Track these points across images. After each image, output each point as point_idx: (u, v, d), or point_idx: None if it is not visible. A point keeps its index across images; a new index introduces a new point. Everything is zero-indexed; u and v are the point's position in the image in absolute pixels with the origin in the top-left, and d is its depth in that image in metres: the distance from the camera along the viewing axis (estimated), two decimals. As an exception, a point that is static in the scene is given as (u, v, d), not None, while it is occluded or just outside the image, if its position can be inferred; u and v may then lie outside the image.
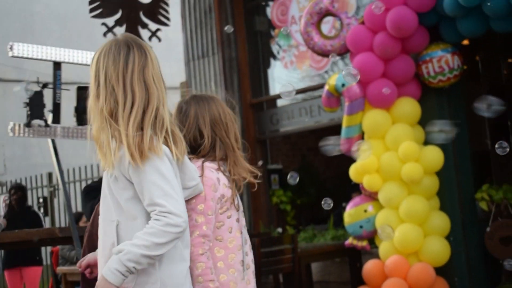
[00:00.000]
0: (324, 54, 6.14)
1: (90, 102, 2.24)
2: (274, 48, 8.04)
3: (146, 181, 2.16)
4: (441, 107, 5.92)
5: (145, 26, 7.48)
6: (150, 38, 8.03)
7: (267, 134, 8.06)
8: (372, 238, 5.85)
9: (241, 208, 2.53)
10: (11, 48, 5.14)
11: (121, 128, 2.17)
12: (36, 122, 5.12)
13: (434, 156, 5.59)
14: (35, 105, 5.01)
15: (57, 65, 4.28)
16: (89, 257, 2.47)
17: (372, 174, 5.72)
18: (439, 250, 5.52)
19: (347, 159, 5.92)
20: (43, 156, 12.27)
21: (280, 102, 8.10)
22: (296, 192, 8.55)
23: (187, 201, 2.34)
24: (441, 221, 5.60)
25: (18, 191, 7.86)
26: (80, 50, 5.26)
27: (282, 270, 5.57)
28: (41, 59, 5.16)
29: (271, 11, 7.99)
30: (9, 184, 9.82)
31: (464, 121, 5.96)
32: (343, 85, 5.85)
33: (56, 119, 4.79)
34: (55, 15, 14.89)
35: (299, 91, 7.72)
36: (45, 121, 5.14)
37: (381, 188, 5.70)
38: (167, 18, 7.51)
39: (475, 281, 5.81)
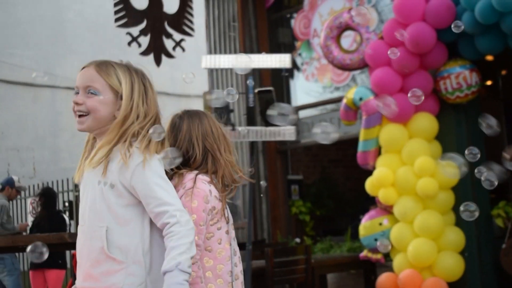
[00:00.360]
0: (343, 67, 6.20)
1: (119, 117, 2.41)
2: (297, 60, 8.12)
3: (152, 183, 2.30)
4: (459, 123, 5.95)
5: (169, 36, 7.62)
6: (174, 48, 8.17)
7: (288, 145, 8.13)
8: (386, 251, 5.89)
9: (231, 221, 2.61)
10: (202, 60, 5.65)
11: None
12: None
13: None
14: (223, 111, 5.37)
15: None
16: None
17: (388, 188, 5.77)
18: (453, 265, 5.55)
19: (367, 172, 5.98)
20: (71, 160, 12.47)
21: (302, 114, 8.17)
22: (316, 203, 8.60)
23: None
24: (456, 237, 5.62)
25: (45, 195, 8.01)
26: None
27: (296, 280, 5.63)
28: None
29: (294, 24, 8.08)
30: (38, 188, 10.00)
31: (481, 137, 5.98)
32: (360, 99, 5.92)
33: (251, 122, 5.21)
34: (87, 23, 15.12)
35: (319, 103, 7.81)
36: (233, 125, 5.58)
37: (396, 202, 5.74)
38: (191, 29, 7.64)
39: (488, 297, 5.82)
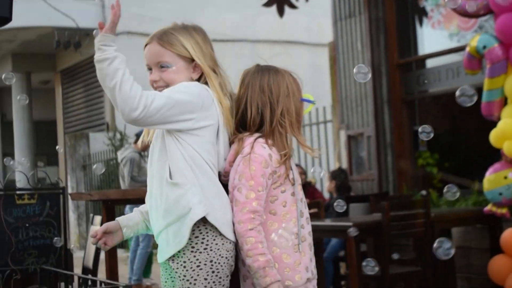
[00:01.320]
0: (466, 14, 5.92)
1: None
2: (423, 7, 7.83)
3: None
4: None
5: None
6: (299, -3, 8.14)
7: (416, 94, 7.93)
8: (512, 205, 5.66)
9: (298, 181, 2.57)
10: None
11: None
12: None
13: None
14: None
15: None
16: (108, 225, 2.61)
17: (513, 139, 5.51)
18: None
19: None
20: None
21: (429, 63, 7.92)
22: (445, 155, 8.35)
23: (240, 176, 2.48)
24: None
25: None
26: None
27: (414, 235, 5.56)
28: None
29: (420, -31, 7.78)
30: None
31: None
32: (484, 47, 5.64)
33: None
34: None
35: (446, 52, 7.51)
36: None
37: (522, 154, 5.47)
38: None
39: None
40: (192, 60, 2.55)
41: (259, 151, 2.47)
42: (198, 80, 2.57)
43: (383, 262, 5.11)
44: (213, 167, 2.49)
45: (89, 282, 4.00)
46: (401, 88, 7.91)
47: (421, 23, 8.00)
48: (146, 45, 2.58)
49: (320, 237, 5.98)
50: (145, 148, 7.43)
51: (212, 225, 2.43)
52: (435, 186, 7.79)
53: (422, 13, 7.93)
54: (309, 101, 2.62)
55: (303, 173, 8.06)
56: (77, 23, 13.53)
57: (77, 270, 5.14)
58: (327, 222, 5.87)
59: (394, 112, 7.87)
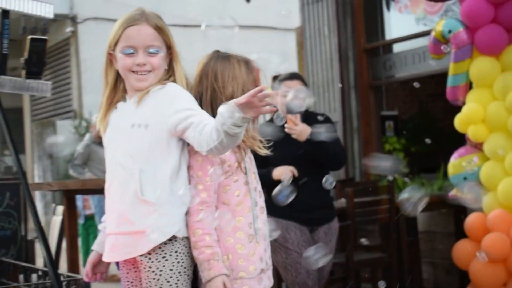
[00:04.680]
0: (432, -2, 5.89)
1: None
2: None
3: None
4: (557, 54, 5.53)
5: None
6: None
7: (383, 80, 7.91)
8: (477, 190, 5.66)
9: (252, 170, 2.53)
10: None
11: None
12: None
13: (545, 106, 5.27)
14: None
15: (5, 13, 3.84)
16: (90, 260, 2.60)
17: (478, 124, 5.50)
18: (547, 205, 5.26)
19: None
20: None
21: (396, 48, 7.89)
22: (411, 140, 8.36)
23: (188, 168, 2.43)
24: (551, 175, 5.31)
25: None
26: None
27: (379, 221, 5.54)
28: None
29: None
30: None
31: None
32: (449, 31, 5.61)
33: (3, 71, 4.29)
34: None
35: (413, 36, 7.49)
36: None
37: (486, 139, 5.47)
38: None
39: None
40: (169, 48, 2.51)
41: None
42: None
43: (348, 249, 5.09)
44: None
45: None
46: (368, 73, 7.88)
47: (388, 7, 7.96)
48: (130, 25, 2.45)
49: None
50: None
51: None
52: (401, 172, 7.79)
53: (389, -4, 7.88)
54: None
55: None
56: (43, 8, 13.27)
57: (41, 260, 5.06)
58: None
59: (361, 98, 7.85)
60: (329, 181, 3.50)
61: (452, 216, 6.12)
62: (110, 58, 2.51)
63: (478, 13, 5.43)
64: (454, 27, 5.62)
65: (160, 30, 2.47)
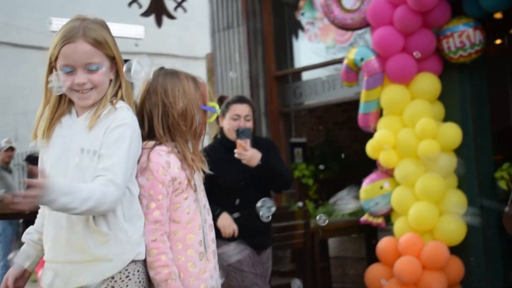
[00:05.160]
0: (345, 27, 6.03)
1: None
2: (300, 20, 7.93)
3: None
4: (462, 83, 5.77)
5: (170, -4, 7.45)
6: (175, 9, 8.01)
7: (292, 107, 7.99)
8: (388, 215, 5.79)
9: (201, 188, 2.50)
10: (50, 23, 5.21)
11: None
12: None
13: (452, 133, 5.47)
14: None
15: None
16: (9, 274, 2.44)
17: (389, 150, 5.63)
18: (454, 229, 5.43)
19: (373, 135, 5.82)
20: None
21: (305, 76, 8.01)
22: (320, 167, 8.49)
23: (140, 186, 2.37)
24: (458, 200, 5.49)
25: (31, 160, 7.99)
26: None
27: (294, 246, 5.55)
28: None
29: (297, -18, 7.87)
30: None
31: (485, 97, 5.81)
32: (361, 59, 5.75)
33: None
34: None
35: (323, 64, 7.63)
36: None
37: (397, 165, 5.61)
38: (192, -11, 7.46)
39: (491, 261, 5.70)
40: (113, 59, 2.36)
41: (155, 159, 2.39)
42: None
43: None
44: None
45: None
46: (278, 100, 7.95)
47: (297, 36, 8.09)
48: (66, 43, 2.28)
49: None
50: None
51: None
52: (311, 198, 7.87)
53: (299, 26, 8.01)
54: (212, 110, 2.54)
55: None
56: None
57: None
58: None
59: (272, 124, 7.89)
60: (265, 215, 3.44)
61: (363, 240, 6.21)
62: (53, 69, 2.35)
63: (389, 42, 5.60)
64: (366, 55, 5.77)
65: (99, 44, 2.30)
